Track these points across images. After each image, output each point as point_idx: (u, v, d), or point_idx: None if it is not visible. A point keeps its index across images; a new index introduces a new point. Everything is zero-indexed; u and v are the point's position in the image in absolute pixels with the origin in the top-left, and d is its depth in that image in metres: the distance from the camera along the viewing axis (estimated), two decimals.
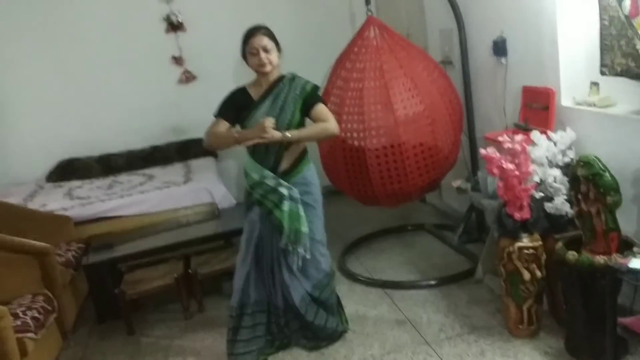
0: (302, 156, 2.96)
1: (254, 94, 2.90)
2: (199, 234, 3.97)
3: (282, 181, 2.84)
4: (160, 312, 3.82)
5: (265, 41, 2.80)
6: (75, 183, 4.92)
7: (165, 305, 3.85)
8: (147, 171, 5.04)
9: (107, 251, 3.84)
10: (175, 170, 4.93)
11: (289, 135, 2.77)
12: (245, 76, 5.39)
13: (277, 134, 2.73)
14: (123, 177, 4.95)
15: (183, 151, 5.32)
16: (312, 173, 3.00)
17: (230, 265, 3.76)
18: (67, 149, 5.21)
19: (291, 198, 2.85)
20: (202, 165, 4.96)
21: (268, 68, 2.83)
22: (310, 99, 2.87)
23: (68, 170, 5.12)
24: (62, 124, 5.21)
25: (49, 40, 5.07)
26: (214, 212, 4.29)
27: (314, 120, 2.88)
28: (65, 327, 3.41)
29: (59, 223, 4.01)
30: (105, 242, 3.98)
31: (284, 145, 2.85)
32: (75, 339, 3.59)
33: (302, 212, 2.87)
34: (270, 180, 2.83)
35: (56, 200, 4.40)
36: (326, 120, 2.88)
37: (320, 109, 2.89)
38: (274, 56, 2.83)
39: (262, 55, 2.80)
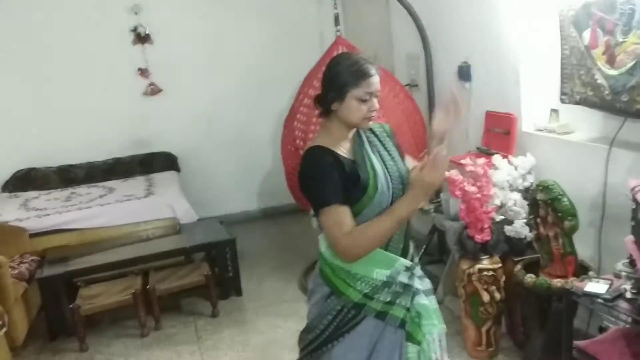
0: None
1: (344, 152, 1.84)
2: (158, 249, 3.90)
3: (417, 268, 1.89)
4: (116, 328, 3.72)
5: (379, 85, 1.83)
6: (32, 194, 4.78)
7: (122, 321, 3.75)
8: (108, 184, 4.93)
9: (63, 265, 3.74)
10: (136, 184, 4.84)
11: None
12: (214, 89, 5.40)
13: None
14: (82, 189, 4.83)
15: (146, 164, 5.24)
16: None
17: (189, 282, 3.72)
18: (26, 158, 5.05)
19: (427, 292, 1.90)
20: (165, 179, 4.89)
21: (375, 126, 1.93)
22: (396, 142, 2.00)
23: (25, 181, 4.97)
24: (22, 134, 5.06)
25: (13, 49, 4.94)
26: (175, 227, 4.22)
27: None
28: (15, 342, 3.28)
29: (13, 234, 3.89)
30: (61, 255, 3.87)
31: (409, 223, 1.92)
32: (25, 355, 3.45)
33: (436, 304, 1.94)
34: (404, 274, 1.83)
35: (11, 211, 4.26)
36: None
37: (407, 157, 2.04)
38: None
39: (375, 101, 1.83)
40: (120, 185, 4.85)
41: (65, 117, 5.14)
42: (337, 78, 1.80)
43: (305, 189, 1.81)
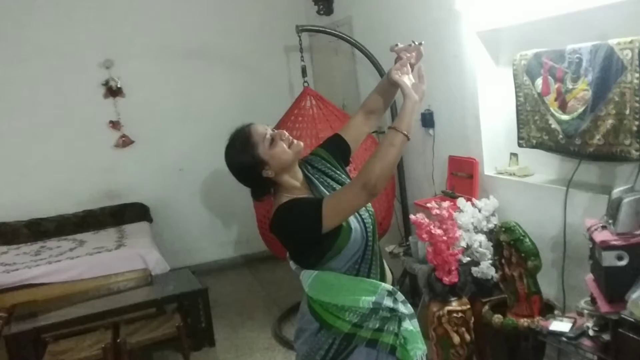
0: None
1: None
2: (129, 302, 3.85)
3: (399, 293, 1.91)
4: None
5: (261, 126, 1.90)
6: (0, 249, 4.71)
7: None
8: (79, 236, 4.89)
9: (31, 320, 3.66)
10: (107, 236, 4.81)
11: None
12: (186, 139, 5.45)
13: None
14: (52, 243, 4.78)
15: (117, 216, 5.22)
16: None
17: (161, 334, 3.67)
18: None
19: (410, 316, 1.94)
20: (136, 230, 4.87)
21: (301, 143, 1.92)
22: (328, 145, 2.05)
23: None
24: None
25: None
26: (147, 279, 4.18)
27: (349, 134, 2.03)
28: None
29: None
30: (29, 311, 3.79)
31: (380, 250, 1.97)
32: None
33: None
34: (388, 299, 1.87)
35: None
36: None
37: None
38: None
39: (277, 132, 1.89)
40: (91, 238, 4.81)
41: (36, 170, 5.13)
42: (242, 161, 1.86)
43: (293, 221, 1.79)
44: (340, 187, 1.92)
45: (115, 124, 5.32)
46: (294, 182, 1.90)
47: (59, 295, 4.01)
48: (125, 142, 5.36)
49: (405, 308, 1.91)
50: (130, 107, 5.31)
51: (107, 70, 5.22)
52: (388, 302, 1.85)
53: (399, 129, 1.70)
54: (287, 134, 1.89)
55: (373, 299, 1.83)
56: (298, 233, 1.80)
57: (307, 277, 1.87)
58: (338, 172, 1.98)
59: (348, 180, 1.97)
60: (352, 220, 1.82)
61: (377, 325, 1.84)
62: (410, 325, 1.91)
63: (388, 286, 1.88)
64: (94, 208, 5.26)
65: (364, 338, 1.84)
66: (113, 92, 5.26)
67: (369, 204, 1.91)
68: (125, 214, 5.24)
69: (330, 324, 1.85)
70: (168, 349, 3.90)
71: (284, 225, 1.82)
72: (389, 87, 2.02)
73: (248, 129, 1.87)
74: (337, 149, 2.03)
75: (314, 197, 1.86)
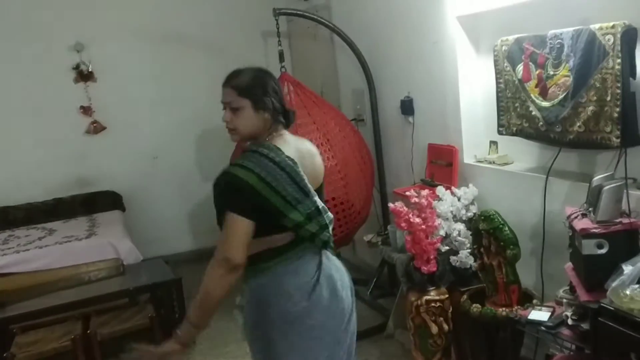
0: None
1: None
2: (100, 292, 3.74)
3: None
4: None
5: (230, 96, 1.93)
6: None
7: None
8: (48, 225, 4.75)
9: None
10: (78, 224, 4.68)
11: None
12: (160, 125, 5.33)
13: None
14: (21, 231, 4.64)
15: (88, 204, 5.09)
16: None
17: (133, 325, 3.58)
18: None
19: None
20: (108, 219, 4.75)
21: (232, 137, 1.97)
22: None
23: None
24: None
25: None
26: (119, 269, 4.07)
27: None
28: None
29: None
30: None
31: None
32: None
33: None
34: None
35: None
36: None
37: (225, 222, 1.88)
38: (243, 119, 1.92)
39: (227, 114, 1.94)
40: (61, 227, 4.68)
41: (3, 157, 4.97)
42: (268, 85, 2.03)
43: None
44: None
45: (86, 110, 5.17)
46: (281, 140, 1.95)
47: (28, 285, 3.89)
48: (97, 128, 5.22)
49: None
50: (102, 92, 5.15)
51: (78, 53, 5.05)
52: None
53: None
54: (230, 121, 2.04)
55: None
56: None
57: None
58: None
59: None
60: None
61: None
62: None
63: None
64: (64, 196, 5.12)
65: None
66: (84, 76, 5.10)
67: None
68: (96, 203, 5.10)
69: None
70: (140, 340, 3.78)
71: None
72: None
73: (224, 82, 2.04)
74: None
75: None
